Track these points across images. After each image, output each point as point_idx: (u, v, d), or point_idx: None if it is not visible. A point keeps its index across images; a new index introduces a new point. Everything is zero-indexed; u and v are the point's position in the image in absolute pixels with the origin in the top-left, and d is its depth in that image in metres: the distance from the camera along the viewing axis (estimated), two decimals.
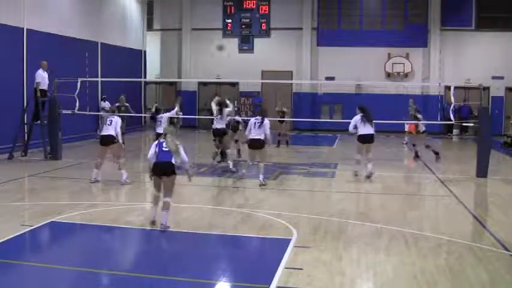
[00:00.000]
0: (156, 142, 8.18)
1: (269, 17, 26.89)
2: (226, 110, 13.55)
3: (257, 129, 11.47)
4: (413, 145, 15.95)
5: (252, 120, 11.75)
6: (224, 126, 13.49)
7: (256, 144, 11.52)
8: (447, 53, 25.57)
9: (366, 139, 12.32)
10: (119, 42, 23.47)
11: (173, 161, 7.93)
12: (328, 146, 20.39)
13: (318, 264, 6.38)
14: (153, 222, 7.88)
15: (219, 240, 7.62)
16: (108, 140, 11.47)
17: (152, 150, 8.08)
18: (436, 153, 15.17)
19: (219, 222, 8.49)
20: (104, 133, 11.65)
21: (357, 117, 12.35)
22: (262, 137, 11.49)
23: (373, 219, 8.69)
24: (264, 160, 11.70)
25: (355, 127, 12.40)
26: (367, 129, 12.23)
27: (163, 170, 7.88)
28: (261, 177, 11.39)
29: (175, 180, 8.01)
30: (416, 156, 15.73)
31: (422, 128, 15.50)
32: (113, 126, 11.48)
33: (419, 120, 15.29)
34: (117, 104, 17.15)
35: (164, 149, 7.95)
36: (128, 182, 11.31)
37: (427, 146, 15.43)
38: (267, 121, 11.59)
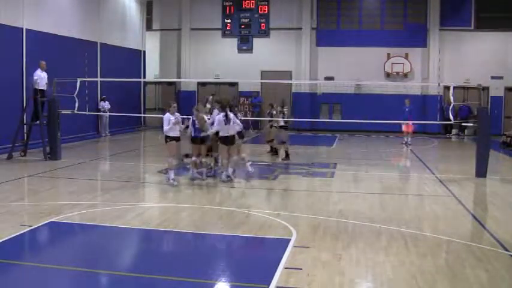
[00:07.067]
0: (191, 120, 11.02)
1: (268, 17, 26.89)
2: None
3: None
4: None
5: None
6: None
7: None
8: (446, 53, 25.58)
9: None
10: (118, 42, 23.46)
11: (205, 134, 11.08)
12: (327, 146, 20.39)
13: (317, 264, 6.39)
14: (192, 179, 10.99)
15: (218, 240, 7.62)
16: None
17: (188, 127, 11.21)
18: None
19: (218, 222, 8.49)
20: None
21: None
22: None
23: (373, 219, 8.70)
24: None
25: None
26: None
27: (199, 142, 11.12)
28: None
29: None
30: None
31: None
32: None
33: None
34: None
35: (197, 126, 11.15)
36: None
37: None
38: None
